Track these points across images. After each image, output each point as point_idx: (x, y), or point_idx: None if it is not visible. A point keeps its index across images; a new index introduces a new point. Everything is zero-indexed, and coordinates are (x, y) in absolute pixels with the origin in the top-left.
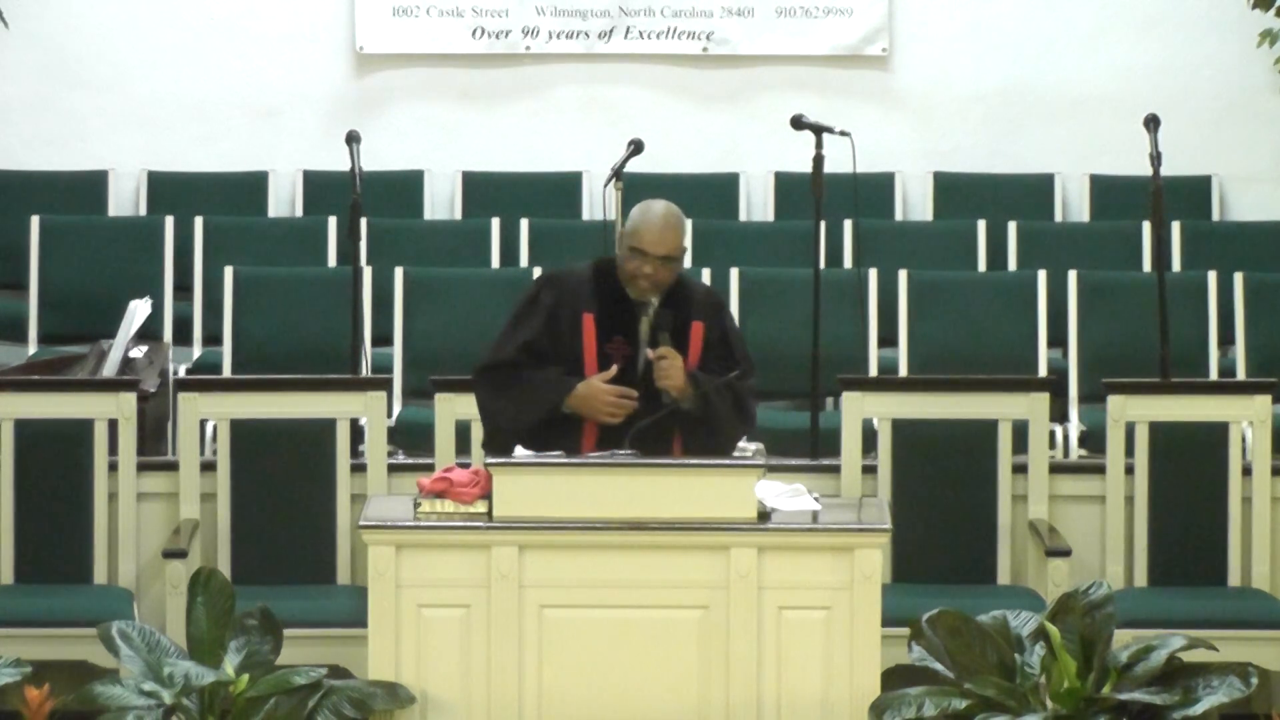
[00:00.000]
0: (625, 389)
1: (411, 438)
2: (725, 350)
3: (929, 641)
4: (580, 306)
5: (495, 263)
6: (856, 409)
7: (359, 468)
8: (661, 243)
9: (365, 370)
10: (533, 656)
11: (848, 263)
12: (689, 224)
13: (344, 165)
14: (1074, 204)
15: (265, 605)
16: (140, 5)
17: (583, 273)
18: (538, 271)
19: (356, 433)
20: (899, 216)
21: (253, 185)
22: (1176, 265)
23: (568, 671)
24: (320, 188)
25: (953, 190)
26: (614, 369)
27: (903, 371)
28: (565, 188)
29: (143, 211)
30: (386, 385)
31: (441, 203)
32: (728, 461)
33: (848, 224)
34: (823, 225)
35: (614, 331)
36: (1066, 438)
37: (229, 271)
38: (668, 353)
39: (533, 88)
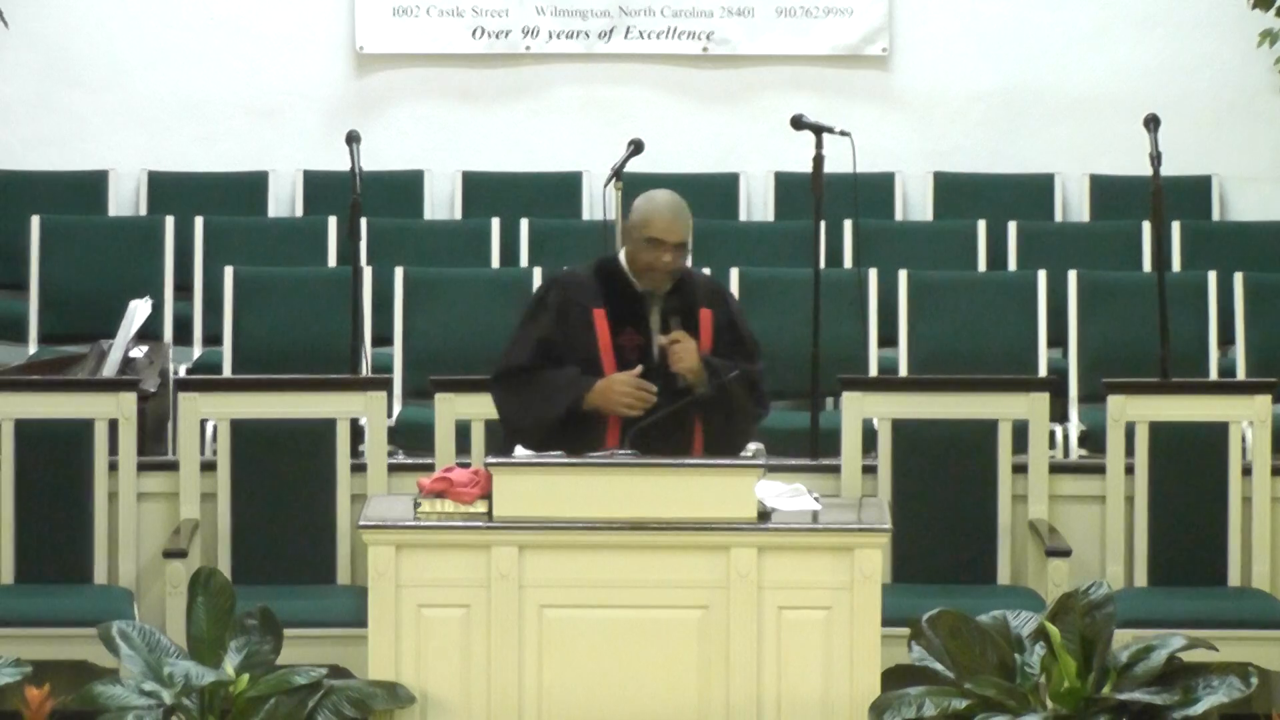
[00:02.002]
0: (642, 380)
1: (411, 438)
2: (734, 335)
3: (929, 641)
4: (589, 303)
5: (495, 263)
6: (856, 409)
7: (359, 468)
8: (674, 230)
9: (365, 370)
10: (533, 656)
11: (848, 263)
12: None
13: (344, 165)
14: (1074, 204)
15: (265, 605)
16: (140, 5)
17: (586, 272)
18: (538, 271)
19: (356, 433)
20: (899, 216)
21: (253, 185)
22: (1176, 265)
23: (568, 671)
24: (320, 188)
25: (953, 190)
26: (639, 369)
27: (903, 371)
28: (565, 188)
29: (143, 211)
30: (386, 385)
31: (441, 203)
32: (728, 461)
33: (848, 224)
34: (823, 225)
35: (624, 325)
36: (1066, 438)
37: (229, 271)
38: (680, 335)
39: (533, 88)
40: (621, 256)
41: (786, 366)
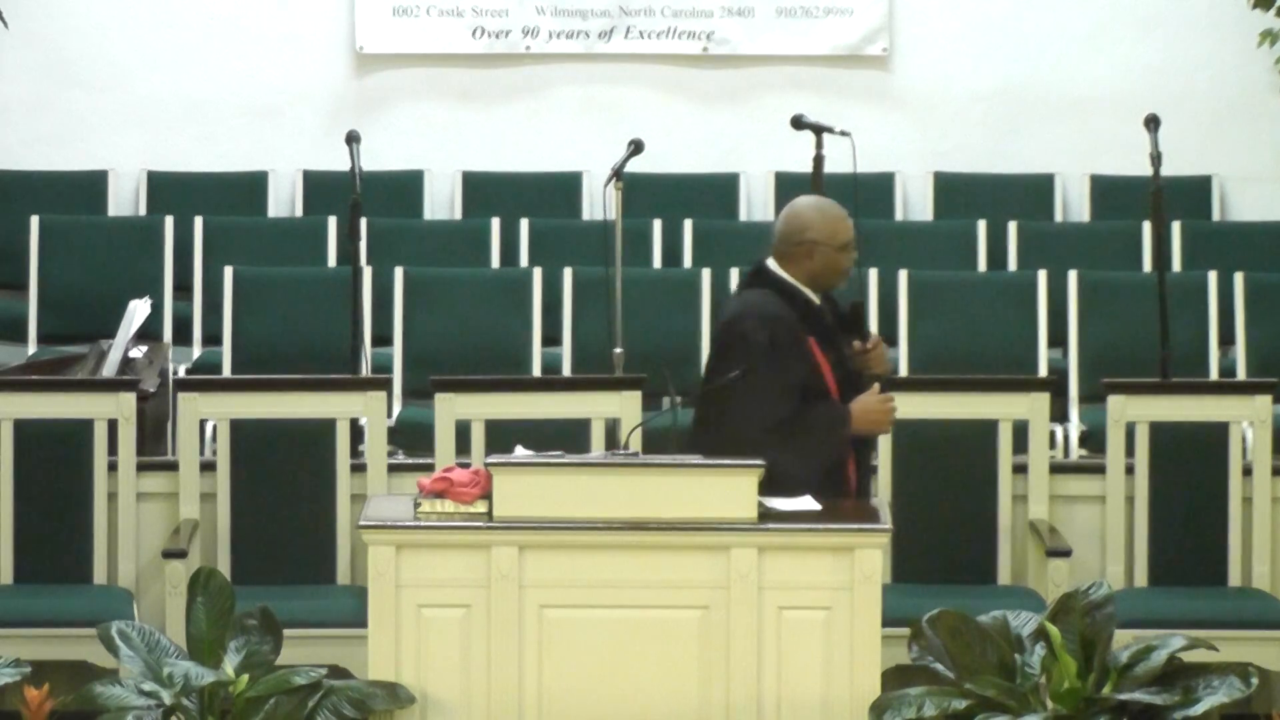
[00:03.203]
0: (886, 395)
1: (411, 438)
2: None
3: (929, 641)
4: (796, 331)
5: (495, 263)
6: None
7: (359, 468)
8: (852, 228)
9: (365, 370)
10: (533, 656)
11: None
12: (689, 224)
13: (344, 165)
14: (1074, 204)
15: (265, 605)
16: (140, 5)
17: (771, 300)
18: (538, 272)
19: (356, 433)
20: (899, 216)
21: (253, 185)
22: (1176, 265)
23: (568, 671)
24: (320, 188)
25: (953, 190)
26: (876, 387)
27: (903, 371)
28: (565, 188)
29: (143, 211)
30: (386, 385)
31: (441, 203)
32: (728, 461)
33: None
34: None
35: (822, 341)
36: (1066, 438)
37: (229, 271)
38: (877, 339)
39: (533, 88)
40: (782, 273)
41: None
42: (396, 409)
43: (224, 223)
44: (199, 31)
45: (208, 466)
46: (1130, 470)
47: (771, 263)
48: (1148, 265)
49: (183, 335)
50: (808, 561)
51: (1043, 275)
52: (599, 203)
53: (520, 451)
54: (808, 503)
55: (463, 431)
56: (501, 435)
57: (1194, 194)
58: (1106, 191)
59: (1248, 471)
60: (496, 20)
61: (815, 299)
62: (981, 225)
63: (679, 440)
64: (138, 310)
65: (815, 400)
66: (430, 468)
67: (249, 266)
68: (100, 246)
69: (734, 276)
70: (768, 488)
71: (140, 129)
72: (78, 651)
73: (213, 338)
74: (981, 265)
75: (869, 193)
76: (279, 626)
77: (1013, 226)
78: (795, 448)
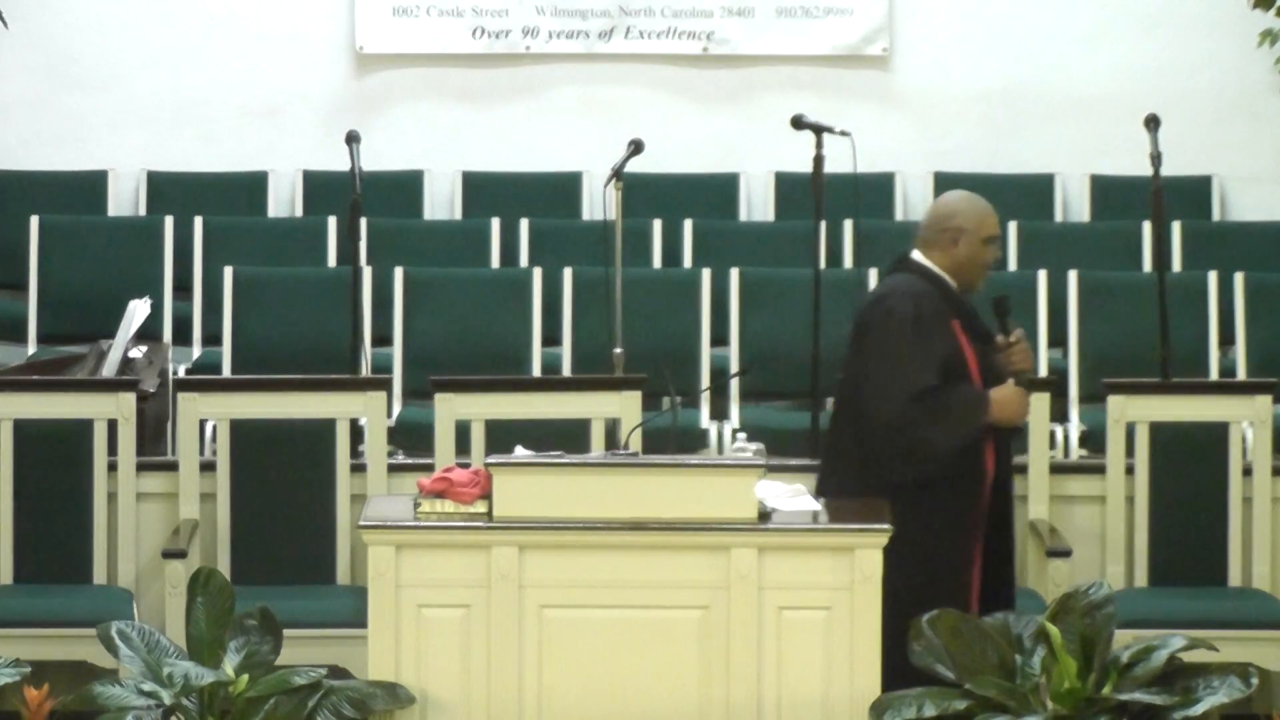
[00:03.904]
0: (1023, 389)
1: (411, 438)
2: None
3: (929, 642)
4: (942, 314)
5: (495, 263)
6: None
7: (359, 468)
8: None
9: (365, 370)
10: (533, 656)
11: (848, 263)
12: (689, 224)
13: (344, 165)
14: (1074, 204)
15: (265, 605)
16: (140, 5)
17: (919, 284)
18: (538, 272)
19: (356, 433)
20: (899, 216)
21: (253, 185)
22: (1176, 265)
23: (568, 671)
24: (320, 188)
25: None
26: (1011, 383)
27: None
28: (565, 188)
29: (143, 211)
30: (386, 385)
31: (441, 203)
32: (728, 461)
33: (848, 224)
34: (823, 225)
35: (966, 328)
36: (1066, 438)
37: (229, 271)
38: (1020, 333)
39: (533, 88)
40: (926, 261)
41: (786, 366)
42: (396, 409)
43: (224, 223)
44: (199, 31)
45: (208, 466)
46: (1130, 470)
47: (916, 253)
48: (1148, 265)
49: (183, 335)
50: (808, 561)
51: (1043, 275)
52: (599, 203)
53: (520, 451)
54: (807, 502)
55: (463, 431)
56: (501, 435)
57: (1194, 194)
58: (1106, 191)
59: (1248, 471)
60: (496, 20)
61: (979, 279)
62: None
63: (827, 438)
64: (137, 310)
65: (957, 382)
66: (430, 468)
67: (249, 266)
68: (100, 246)
69: (734, 276)
70: (904, 460)
71: (140, 129)
72: (78, 651)
73: (213, 338)
74: None
75: (869, 193)
76: (279, 627)
77: (1013, 226)
78: (935, 419)
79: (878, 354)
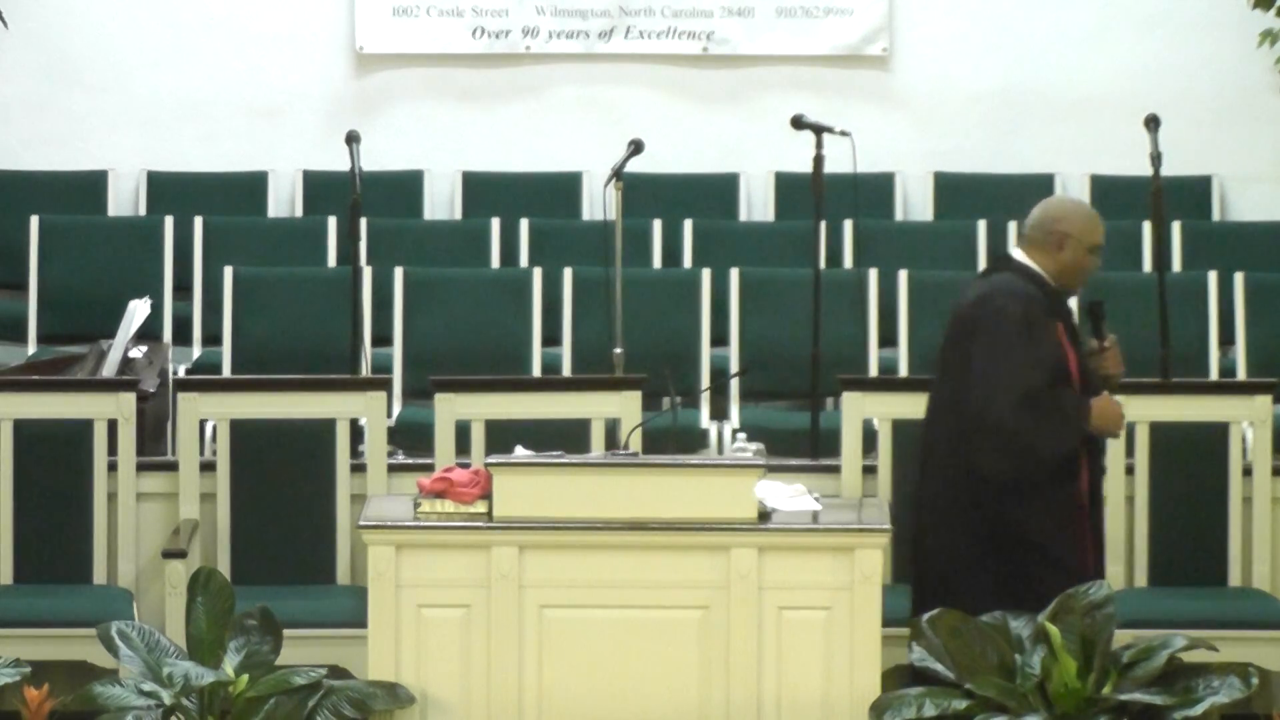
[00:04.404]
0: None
1: (411, 438)
2: None
3: (929, 641)
4: (1046, 317)
5: (495, 263)
6: (856, 409)
7: (359, 468)
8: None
9: (365, 370)
10: (533, 656)
11: (848, 263)
12: (689, 224)
13: (344, 165)
14: None
15: (265, 605)
16: (140, 5)
17: (1021, 284)
18: (538, 272)
19: (356, 433)
20: (899, 216)
21: (253, 185)
22: (1177, 265)
23: (568, 671)
24: (320, 188)
25: (953, 190)
26: (1107, 396)
27: (903, 371)
28: (565, 188)
29: (142, 211)
30: (386, 385)
31: (441, 203)
32: (728, 461)
33: (848, 224)
34: (823, 225)
35: (1067, 331)
36: None
37: (229, 271)
38: (1114, 340)
39: (533, 88)
40: (1028, 260)
41: (786, 366)
42: (396, 409)
43: (224, 223)
44: (199, 31)
45: (208, 466)
46: (1130, 470)
47: (1017, 251)
48: (1148, 265)
49: (183, 335)
50: (808, 561)
51: None
52: (599, 203)
53: (520, 451)
54: (807, 502)
55: (463, 431)
56: (501, 435)
57: (1194, 194)
58: (1106, 191)
59: (1248, 471)
60: (496, 20)
61: (1078, 285)
62: (981, 225)
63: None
64: (137, 310)
65: (1061, 385)
66: (430, 468)
67: (249, 266)
68: (100, 246)
69: (734, 276)
70: (1010, 460)
71: (140, 129)
72: (78, 651)
73: (213, 338)
74: (982, 265)
75: (869, 193)
76: (279, 627)
77: (1013, 226)
78: (1045, 422)
79: (987, 354)
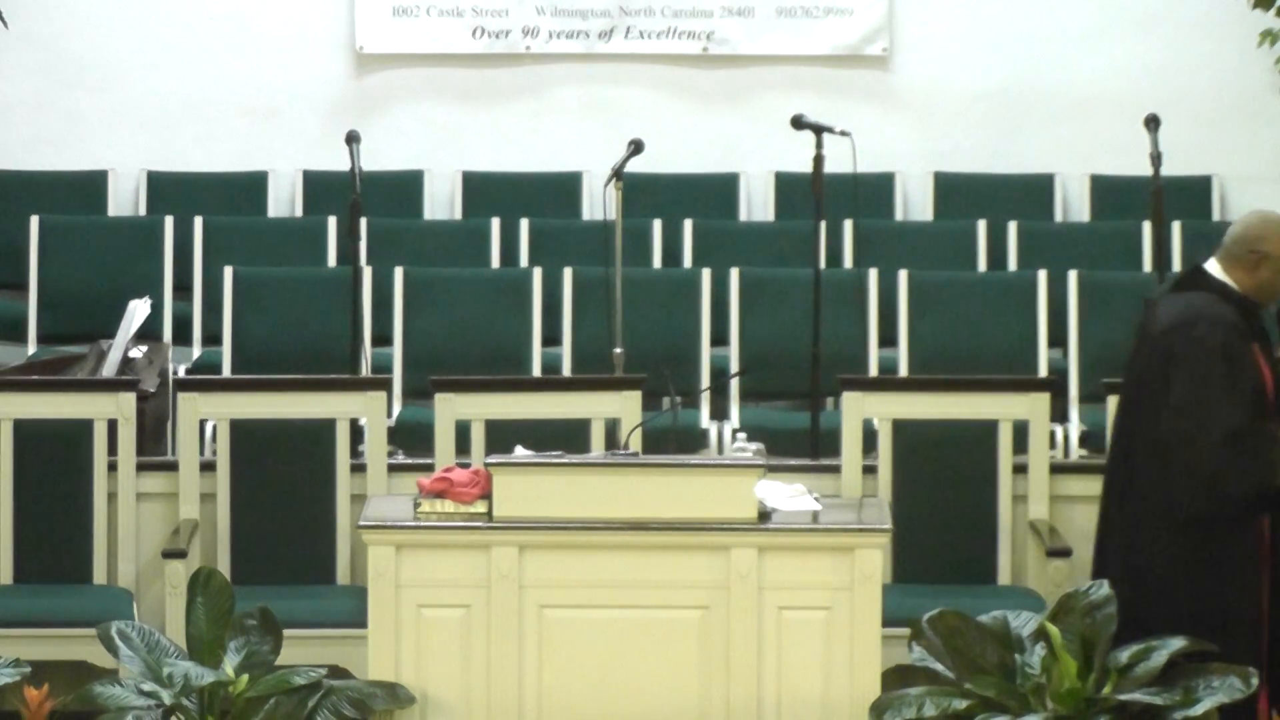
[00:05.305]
0: None
1: (411, 438)
2: None
3: (929, 641)
4: (1246, 342)
5: (495, 263)
6: (856, 409)
7: (359, 468)
8: None
9: (365, 370)
10: (533, 656)
11: (848, 263)
12: (689, 224)
13: (344, 165)
14: (1074, 204)
15: (265, 605)
16: (140, 5)
17: (1213, 303)
18: (538, 272)
19: (356, 433)
20: (899, 216)
21: (253, 185)
22: (1177, 265)
23: (568, 671)
24: (320, 188)
25: (953, 190)
26: None
27: (903, 371)
28: (565, 188)
29: (142, 211)
30: (386, 385)
31: (441, 203)
32: (728, 461)
33: (848, 224)
34: (823, 225)
35: (1263, 350)
36: (1066, 438)
37: (229, 271)
38: None
39: (533, 88)
40: (1224, 276)
41: (786, 366)
42: (396, 409)
43: (224, 223)
44: (199, 31)
45: (208, 466)
46: None
47: (1213, 265)
48: (1148, 265)
49: (183, 335)
50: (807, 561)
51: (1043, 275)
52: (599, 203)
53: (520, 451)
54: (807, 502)
55: (463, 431)
56: (501, 435)
57: (1194, 194)
58: (1106, 191)
59: None
60: (496, 20)
61: (1270, 301)
62: (981, 225)
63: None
64: (138, 310)
65: (1261, 411)
66: (430, 468)
67: (249, 266)
68: (100, 246)
69: (734, 276)
70: (1208, 499)
71: (140, 129)
72: (78, 651)
73: (213, 338)
74: (981, 265)
75: (869, 193)
76: (279, 627)
77: (1013, 226)
78: (1246, 465)
79: (1187, 388)
